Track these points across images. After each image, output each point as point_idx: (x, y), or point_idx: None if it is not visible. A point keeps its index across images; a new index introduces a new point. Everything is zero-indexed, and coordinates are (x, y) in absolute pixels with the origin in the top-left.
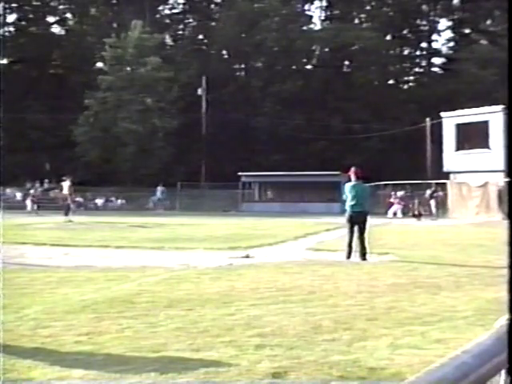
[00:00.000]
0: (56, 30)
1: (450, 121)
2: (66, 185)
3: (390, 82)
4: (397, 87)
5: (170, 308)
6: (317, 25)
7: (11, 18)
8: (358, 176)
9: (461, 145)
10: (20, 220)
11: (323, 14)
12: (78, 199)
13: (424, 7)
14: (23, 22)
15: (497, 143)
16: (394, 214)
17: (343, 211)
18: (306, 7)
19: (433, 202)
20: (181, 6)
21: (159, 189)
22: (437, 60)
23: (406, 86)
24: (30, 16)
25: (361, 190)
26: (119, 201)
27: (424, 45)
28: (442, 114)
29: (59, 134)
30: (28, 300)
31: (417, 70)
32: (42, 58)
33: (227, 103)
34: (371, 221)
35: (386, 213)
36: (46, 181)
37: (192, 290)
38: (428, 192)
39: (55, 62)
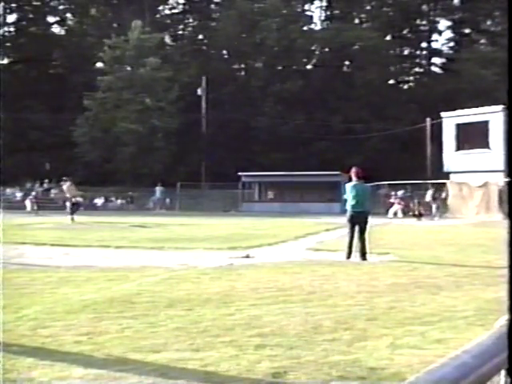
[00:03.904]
0: (56, 30)
1: (450, 121)
2: (65, 186)
3: (391, 81)
4: (397, 87)
5: (170, 308)
6: (317, 25)
7: (11, 18)
8: (358, 176)
9: (461, 145)
10: (20, 220)
11: (323, 14)
12: (78, 199)
13: (424, 7)
14: (23, 22)
15: (497, 143)
16: (395, 213)
17: (344, 211)
18: (306, 7)
19: (434, 203)
20: (181, 6)
21: (158, 189)
22: (437, 60)
23: (406, 86)
24: (30, 16)
25: (361, 190)
26: (119, 201)
27: (424, 45)
28: (442, 113)
29: (59, 134)
30: (28, 300)
31: (417, 69)
32: (42, 58)
33: (227, 103)
34: (371, 221)
35: (386, 213)
36: (46, 181)
37: (192, 289)
38: (429, 194)
39: (55, 62)
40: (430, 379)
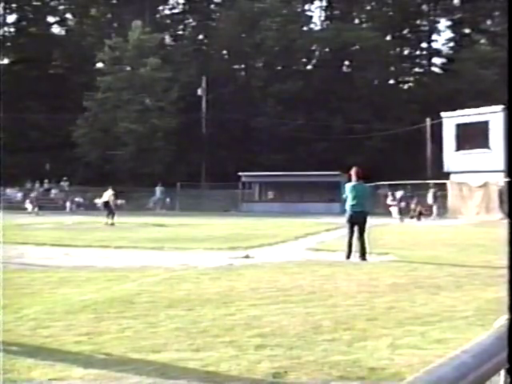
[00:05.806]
0: (56, 30)
1: (450, 121)
2: (107, 193)
3: (391, 81)
4: (397, 87)
5: (170, 308)
6: (317, 25)
7: (11, 18)
8: (358, 176)
9: (461, 145)
10: (20, 220)
11: (323, 14)
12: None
13: (424, 7)
14: (23, 22)
15: (497, 143)
16: (401, 213)
17: (343, 211)
18: (306, 7)
19: (435, 204)
20: (181, 6)
21: (158, 189)
22: (437, 60)
23: (406, 86)
24: (30, 16)
25: (361, 190)
26: (119, 201)
27: (424, 45)
28: (442, 114)
29: (59, 134)
30: (28, 300)
31: (417, 69)
32: (42, 58)
33: (227, 103)
34: (371, 221)
35: (388, 213)
36: (46, 181)
37: (192, 290)
38: (430, 195)
39: (55, 62)
40: (429, 379)
